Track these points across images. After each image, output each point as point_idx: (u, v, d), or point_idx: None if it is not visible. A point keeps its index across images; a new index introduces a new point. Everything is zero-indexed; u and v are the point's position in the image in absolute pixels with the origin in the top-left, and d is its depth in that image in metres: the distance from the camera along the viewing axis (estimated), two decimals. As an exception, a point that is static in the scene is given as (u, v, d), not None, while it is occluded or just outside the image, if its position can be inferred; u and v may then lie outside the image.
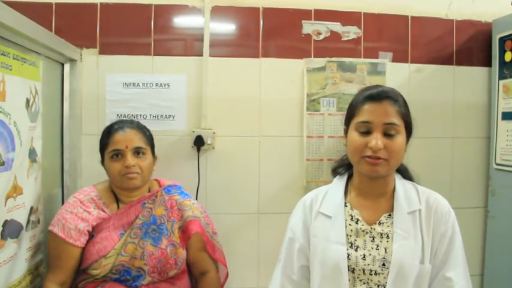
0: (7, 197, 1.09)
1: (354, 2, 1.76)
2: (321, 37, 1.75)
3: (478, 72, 1.83)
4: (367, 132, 1.03)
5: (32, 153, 1.24)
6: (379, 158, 1.01)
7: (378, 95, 1.03)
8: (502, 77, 1.71)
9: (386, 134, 1.02)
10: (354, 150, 1.05)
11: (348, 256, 1.03)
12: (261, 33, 1.73)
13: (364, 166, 1.04)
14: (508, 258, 1.64)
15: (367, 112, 1.03)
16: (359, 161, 1.04)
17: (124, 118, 1.65)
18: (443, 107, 1.82)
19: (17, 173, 1.13)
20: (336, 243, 1.05)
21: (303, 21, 1.74)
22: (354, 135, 1.05)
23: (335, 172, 1.21)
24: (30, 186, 1.23)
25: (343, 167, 1.19)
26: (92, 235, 1.30)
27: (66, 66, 1.58)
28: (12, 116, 1.09)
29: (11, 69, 1.09)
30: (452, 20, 1.82)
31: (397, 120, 1.02)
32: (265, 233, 1.75)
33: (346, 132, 1.11)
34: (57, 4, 1.63)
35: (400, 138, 1.03)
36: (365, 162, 1.03)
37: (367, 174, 1.06)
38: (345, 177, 1.17)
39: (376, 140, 1.00)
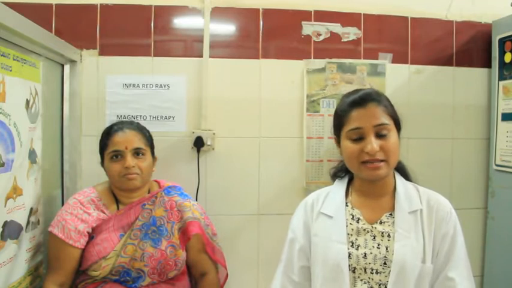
0: (7, 198, 1.09)
1: (353, 3, 1.76)
2: (321, 38, 1.75)
3: (477, 73, 1.83)
4: (360, 139, 1.03)
5: (31, 154, 1.24)
6: (378, 161, 1.01)
7: (362, 99, 1.04)
8: (501, 78, 1.71)
9: (379, 135, 1.02)
10: (351, 158, 1.05)
11: (349, 255, 1.03)
12: (261, 34, 1.73)
13: (364, 172, 1.04)
14: (508, 259, 1.64)
15: (355, 119, 1.04)
16: (359, 168, 1.05)
17: (124, 119, 1.65)
18: (443, 108, 1.82)
19: (17, 174, 1.13)
20: (337, 243, 1.05)
21: (302, 22, 1.74)
22: (347, 144, 1.06)
23: (334, 177, 1.21)
24: (30, 187, 1.23)
25: (342, 171, 1.20)
26: (91, 236, 1.30)
27: (66, 67, 1.59)
28: (12, 117, 1.09)
29: (11, 70, 1.09)
30: (452, 21, 1.82)
31: (385, 119, 1.03)
32: (265, 234, 1.74)
33: (337, 141, 1.12)
34: (57, 5, 1.63)
35: (393, 135, 1.04)
36: (365, 168, 1.03)
37: (369, 179, 1.06)
38: (346, 179, 1.18)
39: (371, 143, 1.00)
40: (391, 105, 1.08)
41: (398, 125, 1.08)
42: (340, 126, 1.08)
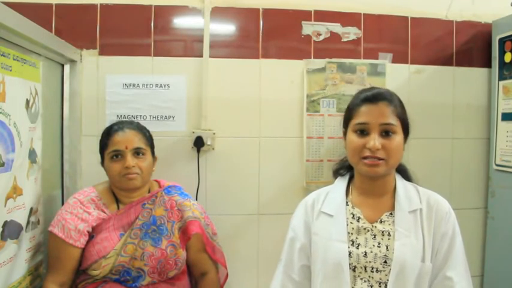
0: (7, 198, 1.09)
1: (353, 3, 1.76)
2: (321, 38, 1.75)
3: (477, 73, 1.83)
4: (365, 134, 1.05)
5: (32, 154, 1.24)
6: (377, 159, 1.02)
7: (374, 97, 1.06)
8: (501, 77, 1.71)
9: (384, 134, 1.04)
10: (353, 152, 1.07)
11: (350, 254, 1.04)
12: (260, 34, 1.73)
13: (363, 168, 1.05)
14: (508, 259, 1.64)
15: (364, 113, 1.06)
16: (358, 163, 1.06)
17: (124, 119, 1.65)
18: (443, 108, 1.82)
19: (17, 174, 1.13)
20: (337, 241, 1.06)
21: (302, 22, 1.74)
22: (352, 136, 1.07)
23: (336, 173, 1.22)
24: (30, 187, 1.23)
25: (344, 169, 1.21)
26: (91, 236, 1.30)
27: (66, 67, 1.59)
28: (12, 117, 1.09)
29: (11, 70, 1.09)
30: (452, 21, 1.82)
31: (393, 120, 1.04)
32: (265, 233, 1.74)
33: (345, 134, 1.14)
34: (57, 5, 1.63)
35: (398, 137, 1.05)
36: (364, 164, 1.04)
37: (367, 175, 1.07)
38: (347, 177, 1.19)
39: (374, 140, 1.02)
40: (402, 108, 1.09)
41: (406, 129, 1.09)
42: (349, 119, 1.11)
